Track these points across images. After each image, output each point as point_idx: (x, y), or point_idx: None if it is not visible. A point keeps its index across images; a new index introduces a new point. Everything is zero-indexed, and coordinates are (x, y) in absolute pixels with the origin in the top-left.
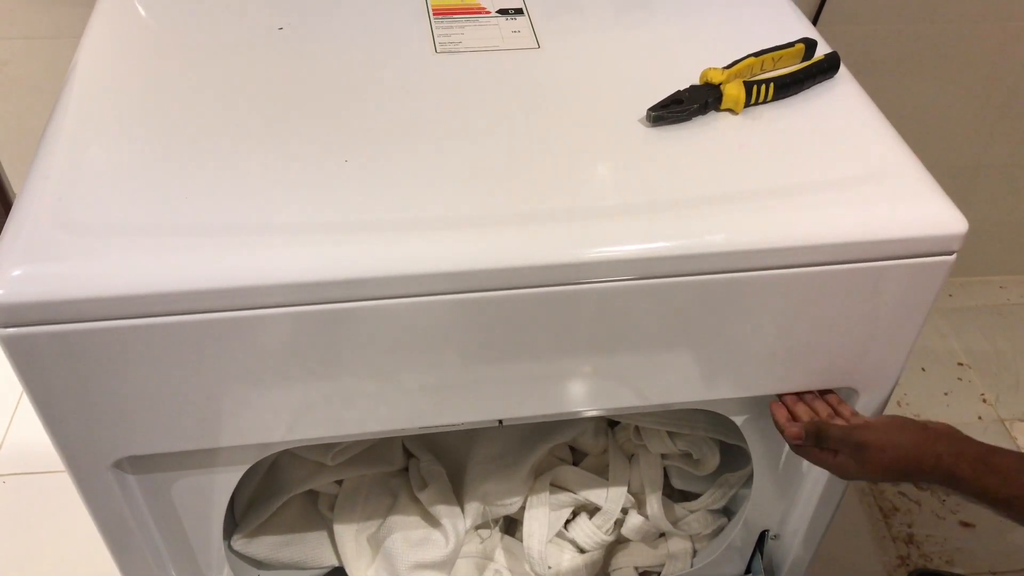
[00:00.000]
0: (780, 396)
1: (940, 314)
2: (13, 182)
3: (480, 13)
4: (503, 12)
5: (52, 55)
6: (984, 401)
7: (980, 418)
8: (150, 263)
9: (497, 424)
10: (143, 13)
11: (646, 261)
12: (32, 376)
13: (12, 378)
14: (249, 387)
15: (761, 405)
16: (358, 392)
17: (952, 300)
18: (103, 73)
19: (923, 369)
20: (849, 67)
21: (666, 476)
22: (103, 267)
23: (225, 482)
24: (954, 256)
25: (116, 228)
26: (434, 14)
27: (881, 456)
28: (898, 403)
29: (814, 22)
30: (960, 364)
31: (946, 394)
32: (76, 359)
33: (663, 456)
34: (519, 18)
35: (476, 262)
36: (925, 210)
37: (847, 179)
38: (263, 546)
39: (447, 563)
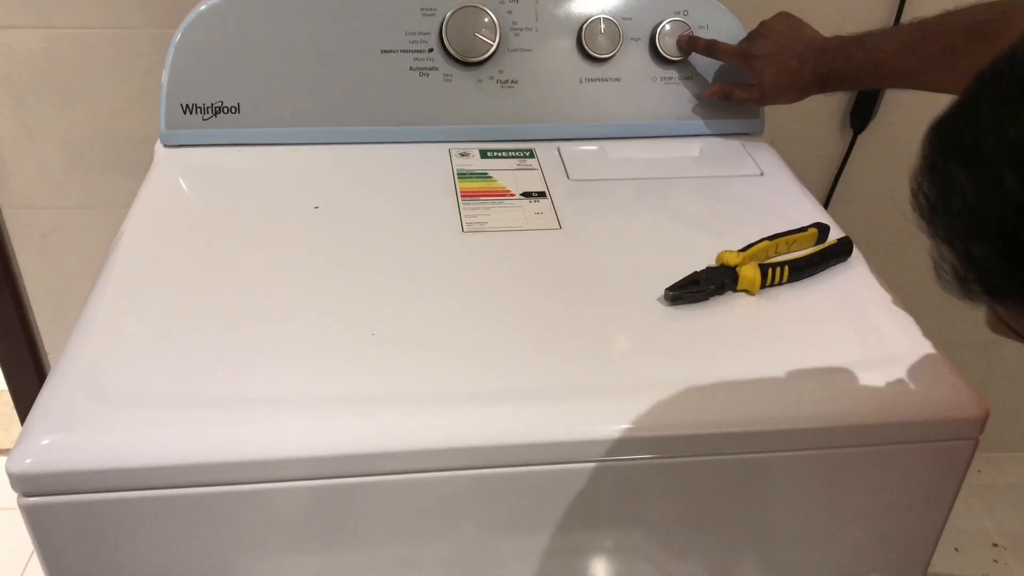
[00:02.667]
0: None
1: (970, 491)
2: (48, 345)
3: (505, 196)
4: (527, 195)
5: (98, 224)
6: None
7: None
8: (177, 435)
9: None
10: (187, 190)
11: (664, 440)
12: (48, 545)
13: (22, 537)
14: (265, 559)
15: None
16: (374, 565)
17: (981, 477)
18: (146, 246)
19: (956, 550)
20: (861, 242)
21: None
22: (130, 439)
23: None
24: (976, 440)
25: (146, 399)
26: (462, 196)
27: (772, 60)
28: None
29: (826, 202)
30: (995, 545)
31: None
32: (95, 530)
33: None
34: (542, 200)
35: (495, 438)
36: (942, 394)
37: (864, 361)
38: None
39: None
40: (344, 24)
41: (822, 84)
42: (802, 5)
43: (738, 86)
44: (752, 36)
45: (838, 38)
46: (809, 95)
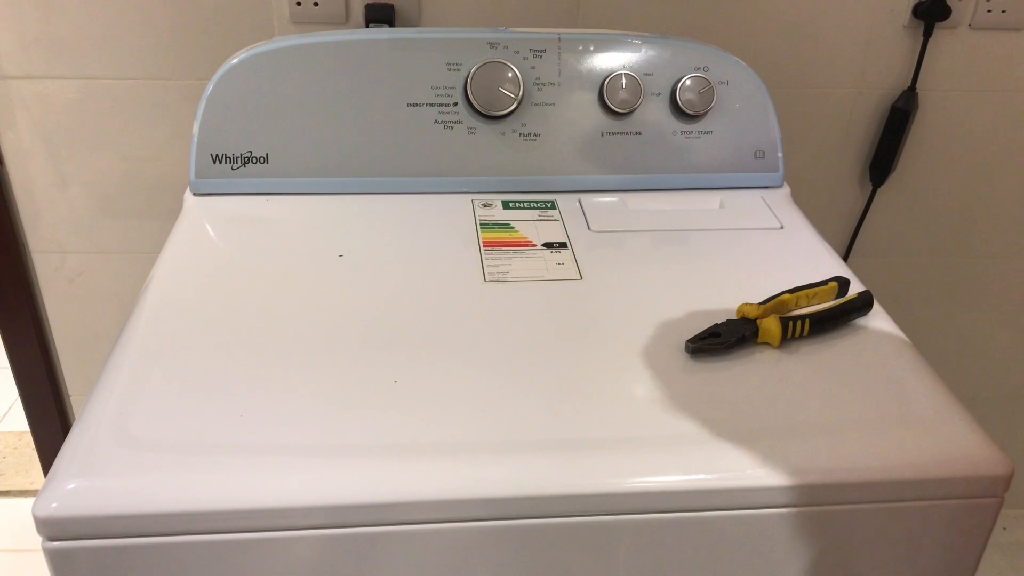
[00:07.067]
0: None
1: (996, 549)
2: (71, 388)
3: (527, 246)
4: (548, 245)
5: (123, 269)
6: None
7: None
8: (204, 481)
9: None
10: (215, 238)
11: (684, 493)
12: None
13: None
14: None
15: None
16: None
17: (1007, 534)
18: (174, 293)
19: None
20: (881, 295)
21: None
22: (156, 484)
23: None
24: (1001, 498)
25: (173, 446)
26: (484, 246)
27: None
28: None
29: (846, 255)
30: None
31: None
32: (119, 575)
33: None
34: (563, 251)
35: (515, 489)
36: (966, 451)
37: (885, 417)
38: None
39: None
40: (371, 78)
41: None
42: (825, 45)
43: None
44: None
45: None
46: None
